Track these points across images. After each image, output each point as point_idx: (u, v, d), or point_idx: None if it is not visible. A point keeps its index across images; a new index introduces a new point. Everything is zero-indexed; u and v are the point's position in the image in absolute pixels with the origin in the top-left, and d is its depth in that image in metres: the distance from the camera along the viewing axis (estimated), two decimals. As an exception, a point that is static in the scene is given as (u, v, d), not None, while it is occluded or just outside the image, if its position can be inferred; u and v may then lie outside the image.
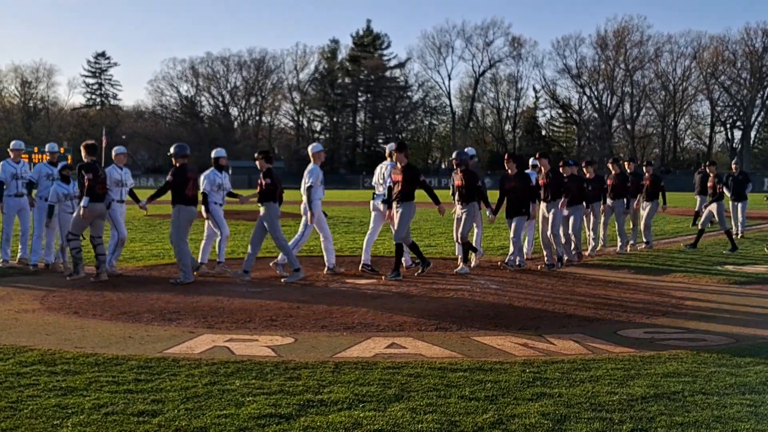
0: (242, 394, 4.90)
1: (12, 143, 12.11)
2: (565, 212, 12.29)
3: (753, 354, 6.21)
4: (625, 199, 14.14)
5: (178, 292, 9.24)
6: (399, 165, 10.64)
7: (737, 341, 6.78)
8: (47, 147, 12.44)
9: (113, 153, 11.19)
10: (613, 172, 14.31)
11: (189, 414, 4.48)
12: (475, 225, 11.69)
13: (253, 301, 8.62)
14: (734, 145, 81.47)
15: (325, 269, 11.01)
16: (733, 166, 17.39)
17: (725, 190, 16.54)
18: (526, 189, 11.57)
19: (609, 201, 14.14)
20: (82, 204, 9.97)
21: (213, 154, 11.46)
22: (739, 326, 7.50)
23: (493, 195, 11.96)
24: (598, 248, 13.69)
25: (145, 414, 4.47)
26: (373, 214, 11.48)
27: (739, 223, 17.00)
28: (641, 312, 8.24)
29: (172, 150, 10.35)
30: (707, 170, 16.20)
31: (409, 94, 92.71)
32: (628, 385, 5.19)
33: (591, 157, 14.31)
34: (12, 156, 11.74)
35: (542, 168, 12.23)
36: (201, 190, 10.84)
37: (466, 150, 12.03)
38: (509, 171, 11.73)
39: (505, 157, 12.17)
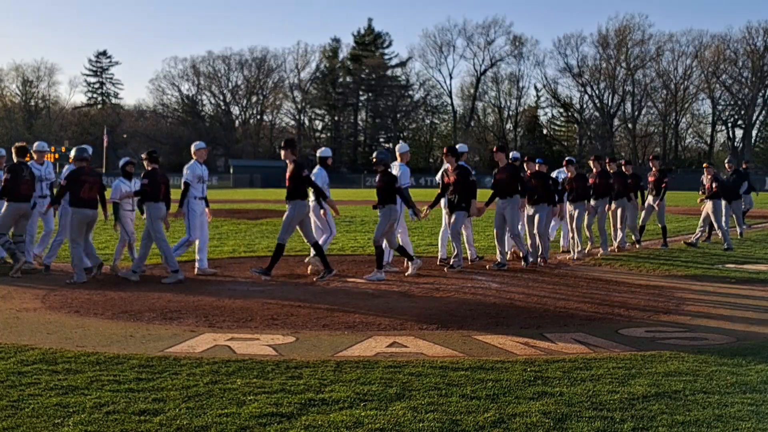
0: (243, 393, 4.90)
1: (35, 144, 11.90)
2: (530, 211, 11.97)
3: (754, 353, 6.21)
4: (586, 201, 13.14)
5: (179, 291, 9.24)
6: (288, 162, 10.14)
7: (738, 340, 6.78)
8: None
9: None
10: (569, 174, 13.12)
11: (190, 413, 4.48)
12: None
13: (254, 300, 8.62)
14: (735, 143, 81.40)
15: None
16: (727, 165, 17.25)
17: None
18: (464, 183, 11.04)
19: (584, 202, 13.14)
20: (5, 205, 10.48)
21: (320, 154, 11.17)
22: (740, 325, 7.50)
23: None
24: (587, 248, 13.47)
25: (146, 413, 4.47)
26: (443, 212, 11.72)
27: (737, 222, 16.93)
28: (642, 311, 8.24)
29: (72, 153, 10.36)
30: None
31: (411, 93, 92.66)
32: (629, 384, 5.19)
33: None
34: (36, 158, 11.57)
35: (498, 162, 11.83)
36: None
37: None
38: (449, 166, 11.29)
39: (444, 150, 11.80)
